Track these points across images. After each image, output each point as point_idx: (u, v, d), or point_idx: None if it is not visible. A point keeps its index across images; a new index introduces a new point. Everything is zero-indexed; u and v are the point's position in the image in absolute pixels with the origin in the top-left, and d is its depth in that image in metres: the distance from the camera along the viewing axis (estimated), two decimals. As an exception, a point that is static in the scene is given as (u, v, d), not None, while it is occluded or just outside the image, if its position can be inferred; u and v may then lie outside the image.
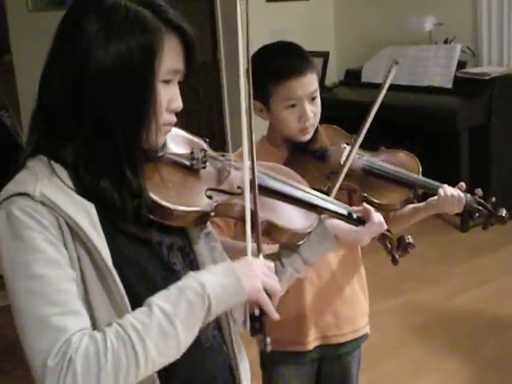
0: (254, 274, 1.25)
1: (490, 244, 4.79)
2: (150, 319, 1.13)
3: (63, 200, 1.18)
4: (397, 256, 1.67)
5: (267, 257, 1.48)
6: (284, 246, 1.54)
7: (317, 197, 1.57)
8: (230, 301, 1.23)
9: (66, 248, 1.18)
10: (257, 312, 1.26)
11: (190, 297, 1.17)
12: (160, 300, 1.16)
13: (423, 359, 3.49)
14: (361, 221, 1.57)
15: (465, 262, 4.64)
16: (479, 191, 2.06)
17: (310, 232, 1.51)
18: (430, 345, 3.61)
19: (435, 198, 1.95)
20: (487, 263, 4.61)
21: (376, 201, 1.89)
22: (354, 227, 1.57)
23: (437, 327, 3.79)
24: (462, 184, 2.01)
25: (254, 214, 1.36)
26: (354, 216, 1.58)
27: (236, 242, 1.70)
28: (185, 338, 1.17)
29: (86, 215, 1.19)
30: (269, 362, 2.11)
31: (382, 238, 1.64)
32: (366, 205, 1.60)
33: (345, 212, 1.58)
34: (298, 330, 2.00)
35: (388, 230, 1.66)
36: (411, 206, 1.99)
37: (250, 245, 1.33)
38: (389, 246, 1.66)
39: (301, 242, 1.52)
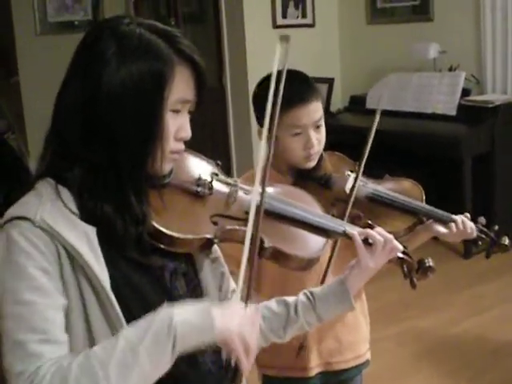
0: (232, 317, 1.23)
1: (493, 272, 4.77)
2: (115, 349, 1.13)
3: (63, 225, 1.20)
4: (415, 279, 1.64)
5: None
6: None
7: (328, 221, 1.57)
8: (196, 337, 1.19)
9: (62, 275, 1.19)
10: (232, 362, 1.24)
11: (157, 328, 1.16)
12: (129, 330, 1.17)
13: (425, 387, 3.48)
14: (367, 240, 1.57)
15: (467, 289, 4.62)
16: (482, 219, 2.06)
17: (318, 257, 1.51)
18: (432, 372, 3.59)
19: (439, 226, 1.96)
20: (490, 291, 4.59)
21: None
22: (366, 265, 1.55)
23: (439, 354, 3.77)
24: (467, 215, 2.03)
25: (253, 243, 1.35)
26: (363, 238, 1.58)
27: None
28: (150, 369, 1.15)
29: (85, 240, 1.20)
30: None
31: (399, 261, 1.62)
32: (378, 230, 1.58)
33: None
34: (300, 356, 1.98)
35: (407, 254, 1.64)
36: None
37: (241, 280, 1.31)
38: (405, 269, 1.64)
39: (312, 267, 1.51)
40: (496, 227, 2.07)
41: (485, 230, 2.05)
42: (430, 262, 1.64)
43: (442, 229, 1.97)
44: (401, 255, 1.61)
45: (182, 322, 1.17)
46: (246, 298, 1.29)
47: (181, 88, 1.27)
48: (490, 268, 4.72)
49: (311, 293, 1.57)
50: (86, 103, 1.23)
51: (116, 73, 1.22)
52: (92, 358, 1.13)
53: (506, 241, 2.05)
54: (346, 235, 1.56)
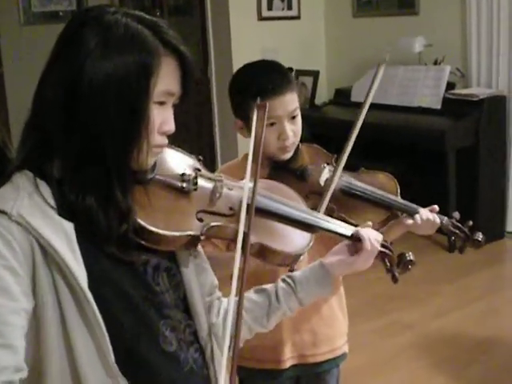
0: None
1: (477, 264, 4.80)
2: None
3: (41, 220, 1.17)
4: (397, 274, 1.65)
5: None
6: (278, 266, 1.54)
7: (312, 216, 1.57)
8: None
9: (34, 274, 1.16)
10: None
11: None
12: None
13: (409, 379, 3.48)
14: (357, 238, 1.58)
15: (451, 281, 4.64)
16: (456, 214, 2.06)
17: (304, 253, 1.51)
18: (416, 365, 3.60)
19: (408, 219, 1.97)
20: (474, 283, 4.62)
21: (353, 222, 1.86)
22: (351, 259, 1.57)
23: (423, 347, 3.79)
24: (435, 207, 2.02)
25: (244, 242, 1.34)
26: (350, 234, 1.59)
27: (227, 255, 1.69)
28: None
29: (63, 236, 1.18)
30: (247, 380, 2.10)
31: (381, 256, 1.63)
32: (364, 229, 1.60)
33: (341, 231, 1.60)
34: (274, 348, 1.99)
35: (388, 248, 1.65)
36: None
37: (235, 279, 1.31)
38: (388, 264, 1.65)
39: (296, 262, 1.51)
40: (470, 223, 2.05)
41: (459, 225, 2.04)
42: (410, 256, 1.66)
43: (410, 221, 1.97)
44: (382, 249, 1.62)
45: None
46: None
47: (166, 80, 1.25)
48: (474, 261, 4.75)
49: (290, 277, 1.57)
50: (68, 95, 1.20)
51: (101, 64, 1.19)
52: None
53: (480, 236, 2.04)
54: (329, 231, 1.58)
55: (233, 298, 1.32)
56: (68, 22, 1.27)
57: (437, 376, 3.48)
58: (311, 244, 1.53)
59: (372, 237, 1.58)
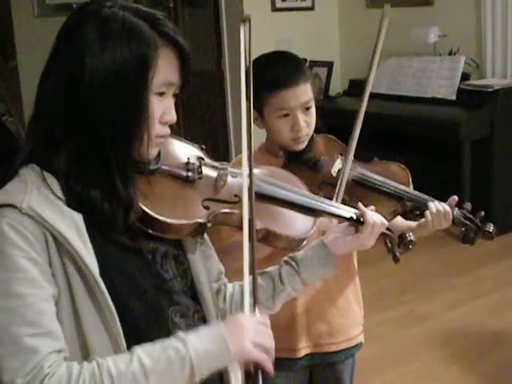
0: (244, 336, 1.24)
1: (492, 256, 4.78)
2: (127, 368, 1.14)
3: (51, 212, 1.19)
4: (398, 254, 1.69)
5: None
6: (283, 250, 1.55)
7: (315, 200, 1.59)
8: (214, 363, 1.22)
9: (50, 262, 1.19)
10: (251, 369, 1.24)
11: (170, 356, 1.18)
12: (143, 352, 1.17)
13: (423, 370, 3.48)
14: (360, 221, 1.59)
15: (466, 273, 4.63)
16: (468, 205, 2.04)
17: (308, 237, 1.52)
18: (430, 356, 3.60)
19: (423, 220, 1.96)
20: (489, 275, 4.60)
21: None
22: (352, 237, 1.59)
23: (438, 338, 3.78)
24: (455, 197, 2.01)
25: (250, 227, 1.34)
26: (354, 217, 1.60)
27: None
28: None
29: (73, 227, 1.20)
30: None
31: (382, 236, 1.66)
32: (361, 206, 1.63)
33: (344, 214, 1.61)
34: (288, 337, 1.99)
35: (388, 229, 1.67)
36: (406, 226, 2.00)
37: (247, 297, 1.31)
38: (389, 244, 1.68)
39: (300, 246, 1.53)
40: (482, 213, 2.03)
41: (470, 216, 2.02)
42: (410, 236, 1.71)
43: (422, 219, 1.96)
44: (384, 230, 1.65)
45: (197, 351, 1.19)
46: (254, 306, 1.30)
47: (165, 70, 1.27)
48: (489, 252, 4.73)
49: (293, 258, 1.59)
50: (69, 89, 1.22)
51: (99, 57, 1.21)
52: (104, 372, 1.14)
53: (491, 228, 2.02)
54: (332, 214, 1.60)
55: (247, 279, 1.32)
56: (67, 18, 1.29)
57: (450, 367, 3.48)
58: (315, 228, 1.54)
59: (376, 218, 1.60)
